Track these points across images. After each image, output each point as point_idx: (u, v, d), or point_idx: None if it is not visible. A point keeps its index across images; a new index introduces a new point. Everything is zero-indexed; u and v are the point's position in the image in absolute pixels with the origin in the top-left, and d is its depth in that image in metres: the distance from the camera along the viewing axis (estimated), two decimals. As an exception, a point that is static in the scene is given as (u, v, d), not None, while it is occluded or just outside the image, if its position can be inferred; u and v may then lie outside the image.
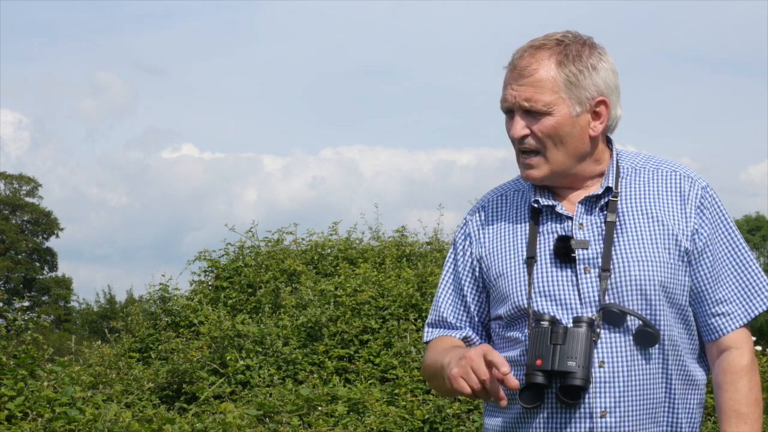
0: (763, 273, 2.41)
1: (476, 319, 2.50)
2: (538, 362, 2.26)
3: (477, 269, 2.47)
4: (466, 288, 2.49)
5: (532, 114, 2.32)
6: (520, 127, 2.33)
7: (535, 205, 2.40)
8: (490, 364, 2.17)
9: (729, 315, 2.37)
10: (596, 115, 2.36)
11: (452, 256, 2.54)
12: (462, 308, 2.50)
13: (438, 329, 2.53)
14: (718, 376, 2.36)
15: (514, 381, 2.16)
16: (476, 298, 2.49)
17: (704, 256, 2.36)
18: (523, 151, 2.36)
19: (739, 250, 2.40)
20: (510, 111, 2.36)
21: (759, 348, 9.93)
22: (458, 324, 2.50)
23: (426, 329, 2.56)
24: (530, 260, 2.36)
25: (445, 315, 2.52)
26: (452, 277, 2.52)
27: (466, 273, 2.49)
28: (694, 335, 2.40)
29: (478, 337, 2.50)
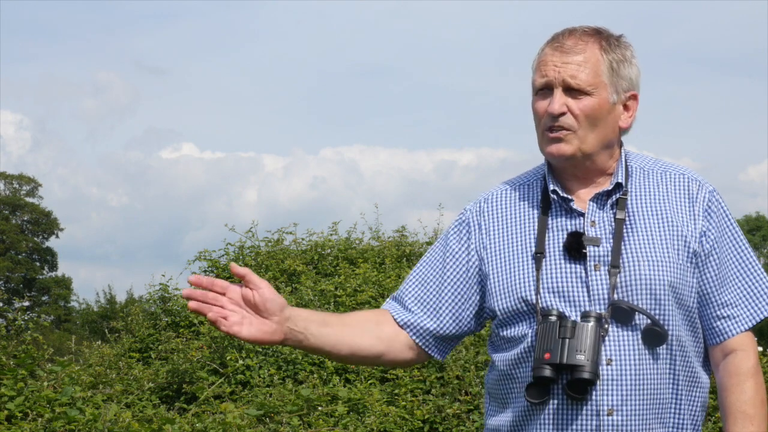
0: (767, 276, 2.41)
1: (448, 307, 2.44)
2: (547, 356, 2.25)
3: (474, 259, 2.44)
4: (449, 276, 2.45)
5: (573, 93, 2.32)
6: (561, 102, 2.32)
7: (553, 196, 2.39)
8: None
9: (734, 318, 2.37)
10: (626, 108, 2.39)
11: (442, 242, 2.50)
12: (431, 294, 2.46)
13: (395, 303, 2.50)
14: (723, 378, 2.35)
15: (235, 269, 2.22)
16: (461, 287, 2.44)
17: (711, 258, 2.36)
18: (553, 128, 2.34)
19: (745, 254, 2.41)
20: (546, 88, 2.35)
21: (760, 348, 9.93)
22: (414, 308, 2.46)
23: (387, 300, 2.53)
24: (539, 256, 2.35)
25: (405, 296, 2.48)
26: (436, 261, 2.48)
27: (455, 262, 2.46)
28: (700, 338, 2.40)
29: (432, 325, 2.44)
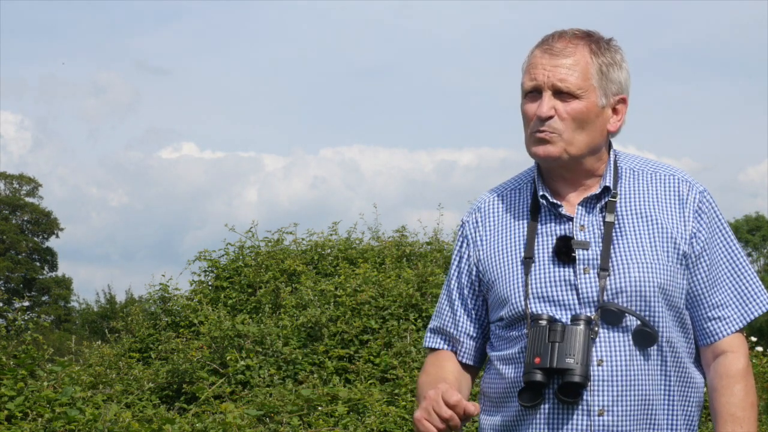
0: (757, 277, 2.43)
1: (476, 324, 2.50)
2: (537, 360, 2.27)
3: (475, 272, 2.47)
4: (466, 293, 2.49)
5: (562, 96, 2.33)
6: (550, 106, 2.33)
7: (543, 201, 2.40)
8: (449, 404, 2.21)
9: (725, 319, 2.38)
10: (615, 112, 2.39)
11: (455, 260, 2.54)
12: (462, 315, 2.50)
13: (438, 336, 2.55)
14: (714, 379, 2.37)
15: (473, 409, 2.22)
16: (475, 302, 2.49)
17: (701, 260, 2.37)
18: (541, 130, 2.34)
19: (735, 255, 2.41)
20: (535, 91, 2.35)
21: (760, 349, 9.93)
22: (457, 335, 2.51)
23: (427, 333, 2.58)
24: (527, 261, 2.37)
25: (444, 323, 2.53)
26: (455, 281, 2.52)
27: (465, 277, 2.50)
28: (692, 339, 2.40)
29: (473, 343, 2.51)
